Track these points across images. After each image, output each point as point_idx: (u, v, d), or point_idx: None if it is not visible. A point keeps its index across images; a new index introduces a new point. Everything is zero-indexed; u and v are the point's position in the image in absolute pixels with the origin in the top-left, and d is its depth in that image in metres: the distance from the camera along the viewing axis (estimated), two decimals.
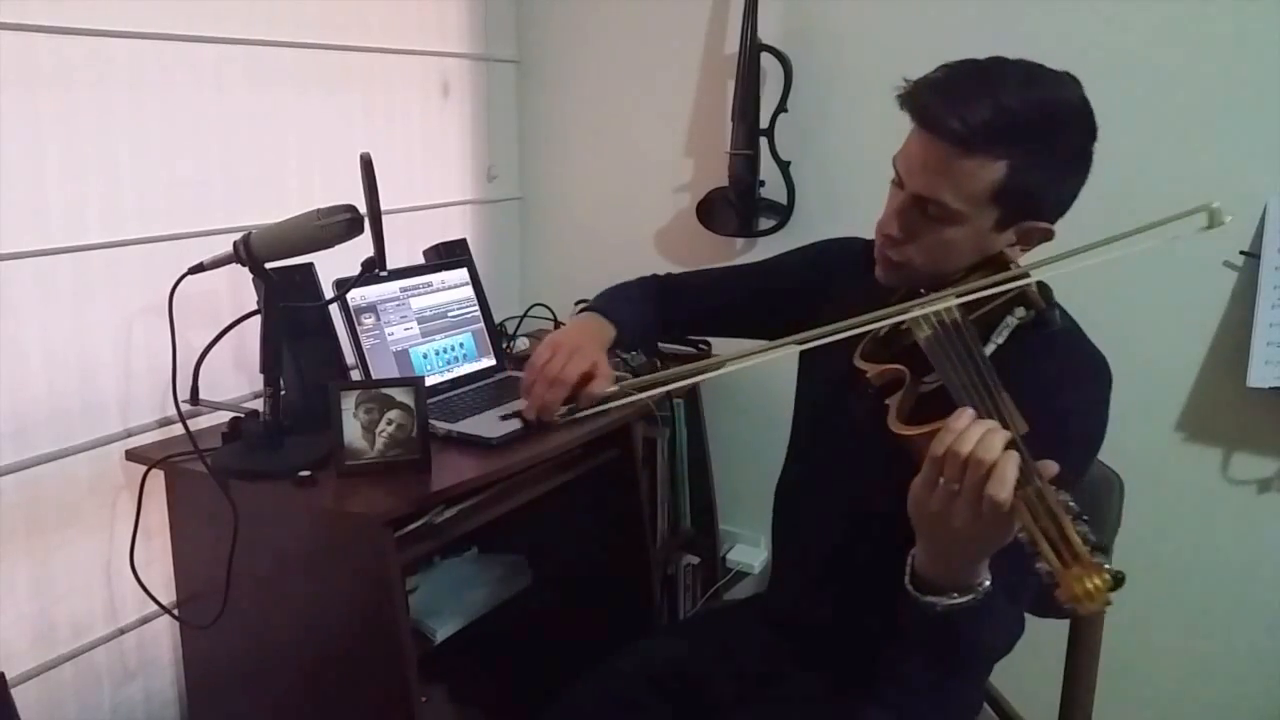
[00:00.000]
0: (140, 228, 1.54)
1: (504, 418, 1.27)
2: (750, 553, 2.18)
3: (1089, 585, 0.69)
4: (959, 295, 0.94)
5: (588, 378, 1.15)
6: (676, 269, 2.20)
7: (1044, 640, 1.29)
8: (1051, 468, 0.79)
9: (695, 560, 2.15)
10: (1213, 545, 1.74)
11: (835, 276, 1.21)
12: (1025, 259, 1.06)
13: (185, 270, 1.41)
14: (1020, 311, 0.96)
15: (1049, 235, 1.03)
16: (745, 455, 2.14)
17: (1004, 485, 0.77)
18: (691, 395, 2.06)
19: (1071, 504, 0.76)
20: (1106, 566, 0.71)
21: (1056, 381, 1.00)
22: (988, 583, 0.87)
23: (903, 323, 0.96)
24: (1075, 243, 0.97)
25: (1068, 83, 0.99)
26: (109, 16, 1.46)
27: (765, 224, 2.06)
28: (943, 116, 0.95)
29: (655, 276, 1.46)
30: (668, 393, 1.14)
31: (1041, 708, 1.34)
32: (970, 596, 0.86)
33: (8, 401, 1.41)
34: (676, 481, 2.08)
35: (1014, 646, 1.02)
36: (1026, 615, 1.28)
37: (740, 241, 2.12)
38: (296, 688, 1.53)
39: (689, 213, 2.13)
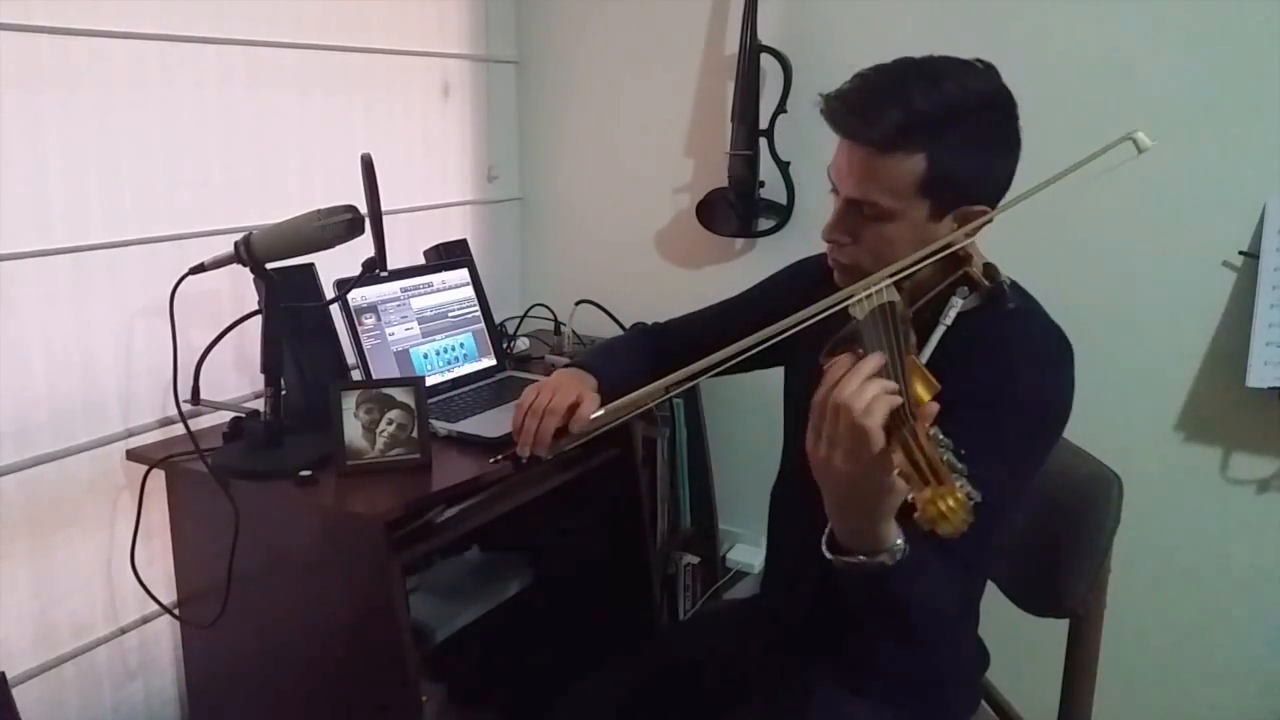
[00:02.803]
0: (141, 228, 1.55)
1: (495, 461, 1.31)
2: (750, 553, 2.18)
3: (942, 506, 0.72)
4: (890, 276, 0.99)
5: (575, 406, 1.23)
6: (676, 269, 2.23)
7: (1044, 640, 1.30)
8: (932, 409, 0.83)
9: (695, 560, 2.15)
10: (1212, 545, 1.74)
11: (801, 292, 1.23)
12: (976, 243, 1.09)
13: (186, 270, 1.41)
14: (964, 293, 1.00)
15: (987, 216, 1.05)
16: (745, 455, 2.14)
17: (873, 421, 0.81)
18: (691, 395, 2.06)
19: (943, 438, 0.80)
20: (963, 487, 0.74)
21: (1007, 354, 1.03)
22: (899, 541, 0.88)
23: (848, 313, 1.00)
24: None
25: (976, 72, 1.03)
26: (110, 17, 1.46)
27: (765, 224, 2.06)
28: (858, 126, 1.01)
29: (641, 325, 1.52)
30: (651, 407, 1.19)
31: (1041, 708, 1.34)
32: (881, 557, 0.87)
33: (9, 401, 1.41)
34: (676, 481, 2.08)
35: (968, 607, 1.03)
36: (1026, 615, 1.29)
37: (740, 242, 2.12)
38: (297, 687, 1.53)
39: (689, 213, 2.13)
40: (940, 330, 0.99)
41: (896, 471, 0.79)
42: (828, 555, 0.91)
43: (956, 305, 1.00)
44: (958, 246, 1.01)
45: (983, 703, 1.31)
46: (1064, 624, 1.29)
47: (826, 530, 0.92)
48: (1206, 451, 1.72)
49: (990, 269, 1.03)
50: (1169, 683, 1.82)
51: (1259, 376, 1.61)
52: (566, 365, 1.36)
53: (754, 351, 1.03)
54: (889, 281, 0.99)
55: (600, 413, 1.22)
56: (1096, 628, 1.28)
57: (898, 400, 0.82)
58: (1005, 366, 1.02)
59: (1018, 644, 1.38)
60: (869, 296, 0.98)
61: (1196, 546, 1.75)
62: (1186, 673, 1.80)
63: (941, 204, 1.03)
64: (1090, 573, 1.23)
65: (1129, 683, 1.78)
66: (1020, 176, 1.07)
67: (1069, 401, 1.06)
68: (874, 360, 0.86)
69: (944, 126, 0.99)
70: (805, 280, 1.29)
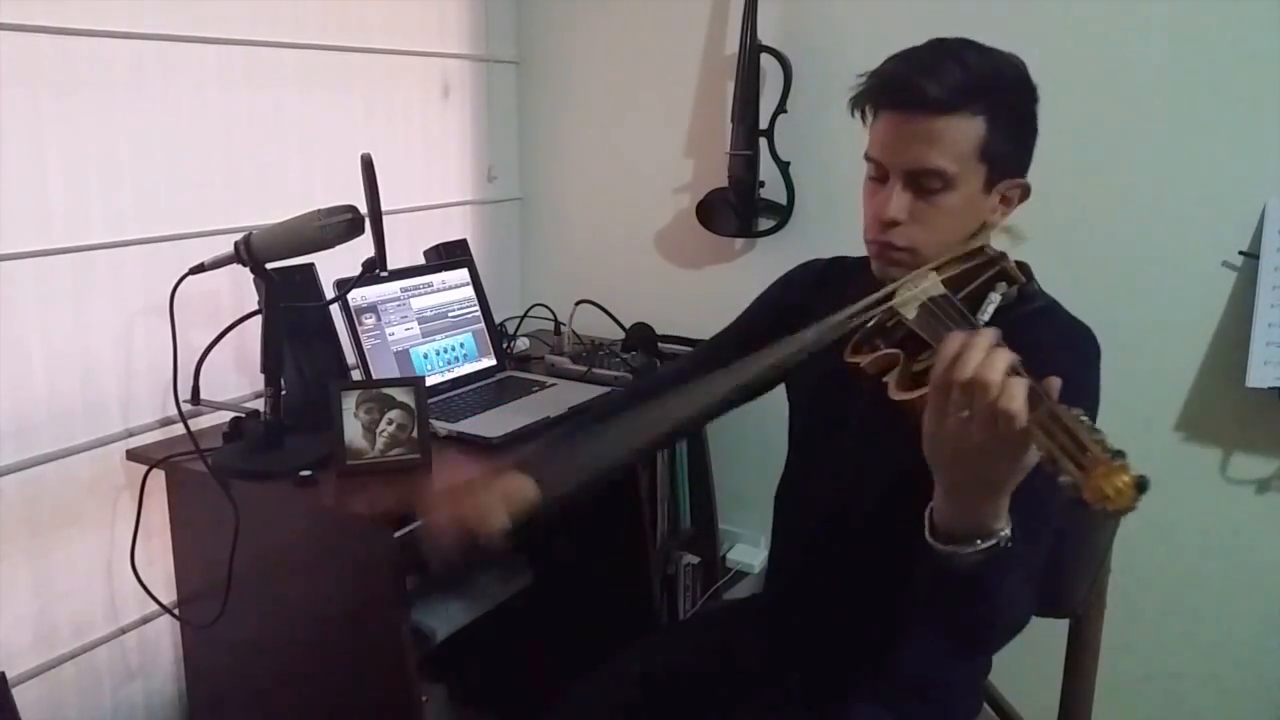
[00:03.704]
0: (141, 228, 1.55)
1: (418, 559, 1.24)
2: (750, 553, 2.18)
3: (1117, 484, 0.69)
4: (935, 268, 0.97)
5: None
6: (676, 269, 2.23)
7: (1044, 640, 1.29)
8: (1056, 383, 0.77)
9: (695, 560, 2.15)
10: (1212, 545, 1.74)
11: (800, 299, 1.22)
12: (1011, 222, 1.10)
13: (186, 270, 1.41)
14: (1002, 287, 0.98)
15: (1027, 191, 1.07)
16: (745, 455, 2.14)
17: (1015, 398, 0.75)
18: None
19: (1084, 418, 0.75)
20: (1128, 467, 0.70)
21: (1044, 348, 1.00)
22: (1008, 530, 0.84)
23: (892, 313, 0.97)
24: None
25: (1008, 54, 1.07)
26: (110, 16, 1.46)
27: (765, 224, 2.06)
28: (920, 86, 1.00)
29: (635, 383, 1.47)
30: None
31: (1041, 708, 1.34)
32: (993, 543, 0.84)
33: (9, 401, 1.41)
34: (676, 481, 2.08)
35: (1024, 625, 1.02)
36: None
37: (740, 242, 2.12)
38: (297, 687, 1.53)
39: (689, 213, 2.13)
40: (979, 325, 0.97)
41: (1041, 453, 0.74)
42: (935, 546, 0.87)
43: (995, 300, 0.97)
44: (993, 256, 0.99)
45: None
46: (1064, 624, 1.29)
47: (928, 522, 0.88)
48: (1206, 451, 1.72)
49: (1023, 266, 1.02)
50: (1169, 683, 1.82)
51: (1259, 376, 1.61)
52: (517, 465, 1.23)
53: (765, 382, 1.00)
54: (938, 279, 0.96)
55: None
56: (1096, 628, 1.28)
57: (1027, 379, 0.77)
58: (1046, 364, 1.01)
59: (1018, 644, 1.37)
60: (915, 293, 0.95)
61: (1196, 546, 1.75)
62: (1186, 673, 1.80)
63: (994, 173, 1.03)
64: (1090, 573, 1.23)
65: (1129, 683, 1.78)
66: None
67: (1098, 393, 1.06)
68: (991, 333, 0.81)
69: (997, 90, 1.01)
70: (801, 288, 1.28)
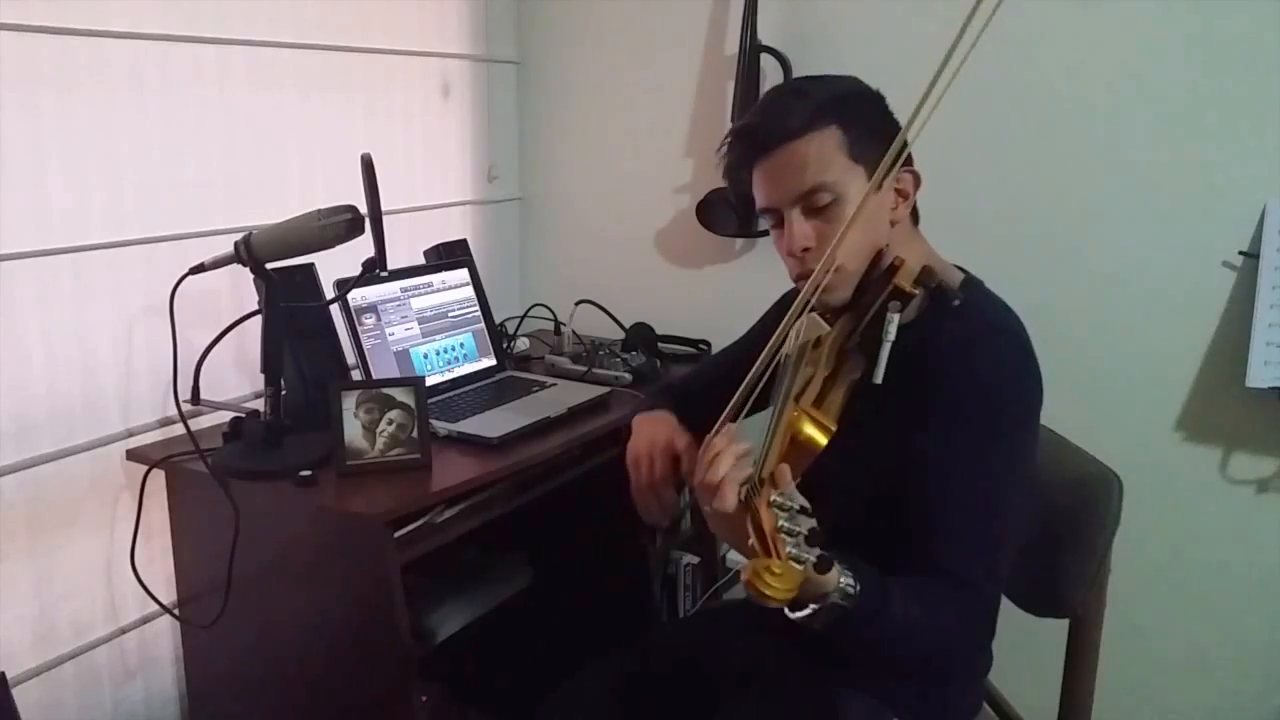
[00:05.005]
0: (141, 228, 1.55)
1: (653, 527, 1.33)
2: None
3: (764, 580, 0.74)
4: (806, 308, 1.02)
5: (678, 462, 1.28)
6: (676, 269, 2.23)
7: (1044, 640, 1.30)
8: (782, 474, 0.89)
9: (695, 560, 2.15)
10: (1211, 545, 1.74)
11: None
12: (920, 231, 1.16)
13: (186, 270, 1.41)
14: (897, 306, 1.01)
15: (918, 178, 1.13)
16: None
17: (723, 495, 0.90)
18: None
19: (787, 502, 0.82)
20: (790, 554, 0.76)
21: (951, 357, 1.04)
22: (844, 580, 0.88)
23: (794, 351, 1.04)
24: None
25: (842, 75, 1.16)
26: (110, 17, 1.46)
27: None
28: (772, 123, 1.09)
29: (662, 387, 1.58)
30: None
31: (1041, 708, 1.34)
32: (833, 599, 0.87)
33: (9, 401, 1.41)
34: (677, 481, 2.07)
35: (981, 621, 1.03)
36: (1026, 615, 1.29)
37: (740, 242, 2.12)
38: (297, 687, 1.53)
39: (689, 213, 2.13)
40: (886, 347, 0.99)
41: (750, 541, 0.81)
42: (790, 616, 0.91)
43: (894, 320, 1.01)
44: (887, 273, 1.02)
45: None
46: (1064, 624, 1.29)
47: None
48: (1206, 451, 1.72)
49: (925, 273, 1.04)
50: (1169, 683, 1.82)
51: (1259, 376, 1.61)
52: (634, 412, 1.40)
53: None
54: (816, 318, 1.02)
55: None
56: (1096, 628, 1.28)
57: (745, 472, 0.89)
58: (952, 370, 1.03)
59: (1018, 644, 1.38)
60: (798, 334, 1.00)
61: (1196, 546, 1.75)
62: (1186, 672, 1.80)
63: (874, 168, 1.06)
64: (1090, 573, 1.23)
65: (1129, 683, 1.78)
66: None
67: (1028, 377, 1.06)
68: (721, 438, 0.95)
69: (839, 101, 1.09)
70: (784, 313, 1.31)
